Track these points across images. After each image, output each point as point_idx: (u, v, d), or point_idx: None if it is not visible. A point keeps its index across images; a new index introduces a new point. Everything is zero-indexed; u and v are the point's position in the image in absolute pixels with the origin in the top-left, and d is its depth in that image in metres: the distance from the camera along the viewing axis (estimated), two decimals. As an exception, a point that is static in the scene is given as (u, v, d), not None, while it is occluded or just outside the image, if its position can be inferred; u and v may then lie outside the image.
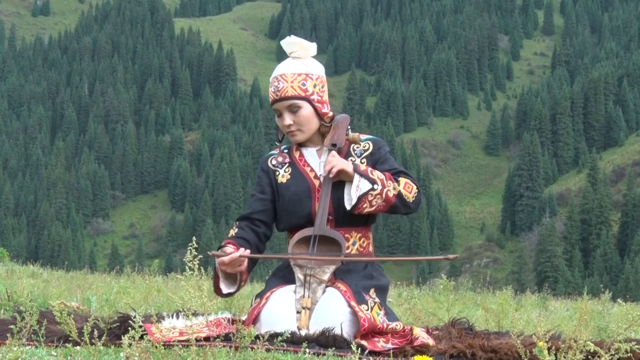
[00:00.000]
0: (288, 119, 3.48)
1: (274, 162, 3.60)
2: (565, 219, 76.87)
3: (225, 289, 3.40)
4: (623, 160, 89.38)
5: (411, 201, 3.44)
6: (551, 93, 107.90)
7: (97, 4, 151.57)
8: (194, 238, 3.06)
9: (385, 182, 3.39)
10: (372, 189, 3.36)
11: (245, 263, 3.39)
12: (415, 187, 3.46)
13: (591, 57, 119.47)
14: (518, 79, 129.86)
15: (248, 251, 3.38)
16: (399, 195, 3.41)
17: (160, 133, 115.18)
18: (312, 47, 3.56)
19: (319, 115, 3.52)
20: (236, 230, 3.52)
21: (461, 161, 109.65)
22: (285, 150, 3.62)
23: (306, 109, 3.49)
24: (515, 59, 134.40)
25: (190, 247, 2.86)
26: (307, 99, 3.48)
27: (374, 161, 3.51)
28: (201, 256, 2.97)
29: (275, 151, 3.65)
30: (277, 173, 3.56)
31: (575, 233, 73.62)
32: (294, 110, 3.48)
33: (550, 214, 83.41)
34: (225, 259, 3.30)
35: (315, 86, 3.51)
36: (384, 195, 3.37)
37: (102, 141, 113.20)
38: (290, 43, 3.54)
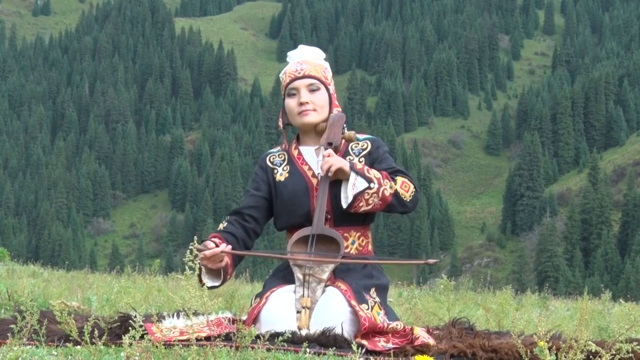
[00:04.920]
0: (305, 97, 3.50)
1: (272, 160, 3.59)
2: (566, 219, 76.82)
3: (208, 282, 3.34)
4: (624, 160, 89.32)
5: (408, 200, 3.42)
6: (552, 93, 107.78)
7: (97, 4, 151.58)
8: (195, 237, 3.06)
9: (382, 180, 3.38)
10: (369, 188, 3.35)
11: (226, 259, 3.35)
12: (412, 186, 3.44)
13: (592, 57, 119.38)
14: (519, 79, 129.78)
15: (230, 247, 3.34)
16: (396, 194, 3.39)
17: (160, 133, 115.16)
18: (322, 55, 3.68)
19: (331, 106, 3.56)
20: (225, 224, 3.50)
21: (462, 161, 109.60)
22: (285, 150, 3.61)
23: (324, 93, 3.54)
24: (516, 59, 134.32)
25: (191, 247, 2.86)
26: (326, 86, 3.55)
27: (372, 160, 3.50)
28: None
29: (275, 149, 3.65)
30: (276, 171, 3.55)
31: (575, 233, 73.60)
32: (313, 89, 3.52)
33: (550, 214, 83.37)
34: (207, 252, 3.25)
35: (331, 80, 3.61)
36: (380, 194, 3.36)
37: (103, 141, 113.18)
38: (302, 50, 3.64)
